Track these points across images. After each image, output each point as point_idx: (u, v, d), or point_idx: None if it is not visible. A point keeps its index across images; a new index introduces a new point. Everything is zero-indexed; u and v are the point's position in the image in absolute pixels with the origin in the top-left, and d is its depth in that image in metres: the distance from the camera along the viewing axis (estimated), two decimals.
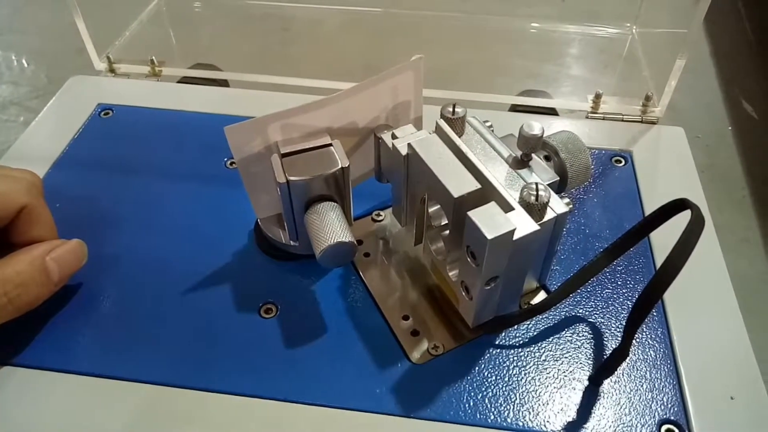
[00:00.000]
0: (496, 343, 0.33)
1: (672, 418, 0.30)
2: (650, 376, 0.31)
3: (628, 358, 0.31)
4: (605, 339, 0.33)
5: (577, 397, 0.31)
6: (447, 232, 0.31)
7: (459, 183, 0.29)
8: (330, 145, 0.33)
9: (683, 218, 0.28)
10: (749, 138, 0.96)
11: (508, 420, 0.30)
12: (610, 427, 0.29)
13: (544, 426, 0.29)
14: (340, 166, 0.32)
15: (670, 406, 0.30)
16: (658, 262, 0.36)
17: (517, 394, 0.31)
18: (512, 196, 0.29)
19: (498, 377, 0.31)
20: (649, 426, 0.29)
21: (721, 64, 1.07)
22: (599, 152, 0.44)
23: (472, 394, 0.31)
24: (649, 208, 0.39)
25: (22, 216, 0.32)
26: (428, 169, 0.30)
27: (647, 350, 0.32)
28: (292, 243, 0.35)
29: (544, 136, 0.32)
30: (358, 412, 0.30)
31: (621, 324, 0.33)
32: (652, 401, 0.30)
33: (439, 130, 0.33)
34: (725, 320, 0.34)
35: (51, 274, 0.31)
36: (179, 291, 0.35)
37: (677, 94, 0.46)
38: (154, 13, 0.60)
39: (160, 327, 0.33)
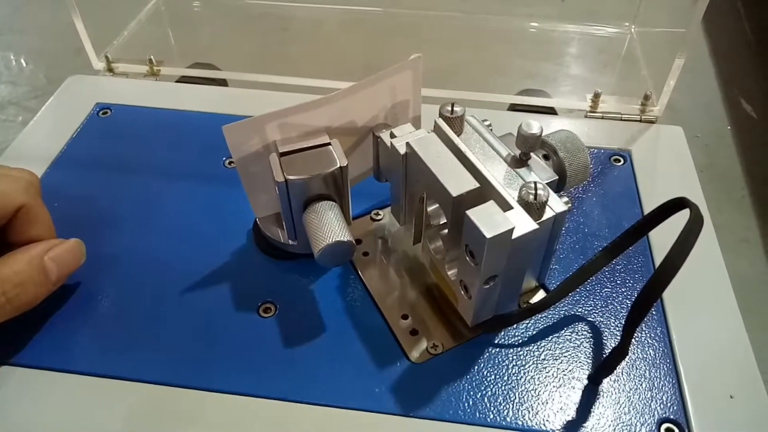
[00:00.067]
0: (495, 342, 0.33)
1: (671, 417, 0.30)
2: (650, 375, 0.31)
3: (628, 357, 0.31)
4: (604, 338, 0.33)
5: (576, 396, 0.30)
6: (446, 231, 0.31)
7: (458, 182, 0.29)
8: (328, 144, 0.33)
9: (682, 217, 0.28)
10: (748, 137, 0.96)
11: (508, 419, 0.30)
12: (609, 426, 0.29)
13: (544, 425, 0.29)
14: (338, 165, 0.32)
15: (669, 405, 0.30)
16: (657, 261, 0.36)
17: (517, 393, 0.31)
18: (511, 195, 0.29)
19: (497, 376, 0.31)
20: (648, 425, 0.29)
21: (720, 63, 1.07)
22: (598, 151, 0.44)
23: (472, 393, 0.31)
24: (648, 207, 0.39)
25: (20, 215, 0.32)
26: (427, 168, 0.30)
27: (647, 349, 0.32)
28: (290, 242, 0.35)
29: (543, 135, 0.32)
30: (357, 412, 0.30)
31: (620, 323, 0.33)
32: (652, 400, 0.30)
33: (437, 129, 0.33)
34: (724, 319, 0.34)
35: (49, 274, 0.31)
36: (178, 290, 0.35)
37: (676, 93, 0.46)
38: (152, 12, 0.60)
39: (159, 326, 0.33)
